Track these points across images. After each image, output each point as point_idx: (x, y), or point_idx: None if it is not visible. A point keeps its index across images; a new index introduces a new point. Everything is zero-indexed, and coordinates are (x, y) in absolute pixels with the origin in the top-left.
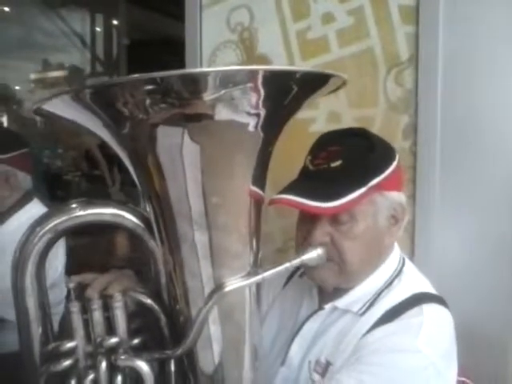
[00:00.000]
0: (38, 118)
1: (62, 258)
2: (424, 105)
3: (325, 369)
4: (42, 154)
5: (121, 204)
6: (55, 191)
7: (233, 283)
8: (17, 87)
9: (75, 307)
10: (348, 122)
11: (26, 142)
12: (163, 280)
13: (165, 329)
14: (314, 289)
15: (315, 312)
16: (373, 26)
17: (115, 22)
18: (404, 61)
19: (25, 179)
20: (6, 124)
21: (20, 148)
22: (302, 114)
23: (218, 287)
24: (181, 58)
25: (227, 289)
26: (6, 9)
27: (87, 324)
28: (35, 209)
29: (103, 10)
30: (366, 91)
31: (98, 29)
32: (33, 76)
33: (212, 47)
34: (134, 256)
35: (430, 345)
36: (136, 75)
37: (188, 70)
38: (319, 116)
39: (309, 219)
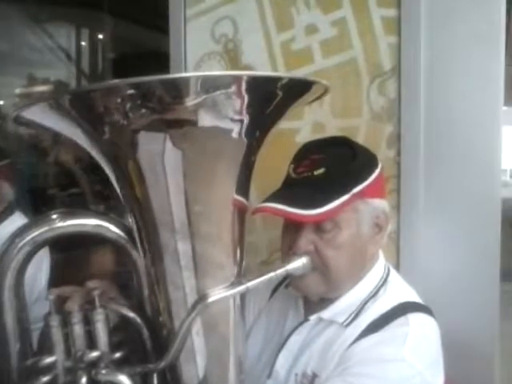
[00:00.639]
0: (22, 131)
1: (46, 272)
2: (407, 114)
3: (311, 381)
4: (26, 168)
5: (102, 215)
6: (39, 206)
7: (216, 293)
8: (1, 102)
9: (55, 321)
10: (332, 132)
11: (8, 153)
12: (146, 292)
13: (147, 342)
14: (300, 300)
15: (301, 324)
16: (356, 37)
17: (100, 37)
18: (387, 71)
19: (8, 191)
20: None
21: (1, 159)
22: (287, 124)
23: (202, 298)
24: (166, 71)
25: (211, 299)
26: None
27: (67, 338)
28: (18, 222)
29: (89, 24)
30: (350, 101)
31: (83, 43)
32: (18, 91)
33: (196, 59)
34: (120, 271)
35: (416, 354)
36: (116, 80)
37: (169, 76)
38: (304, 126)
39: (293, 228)
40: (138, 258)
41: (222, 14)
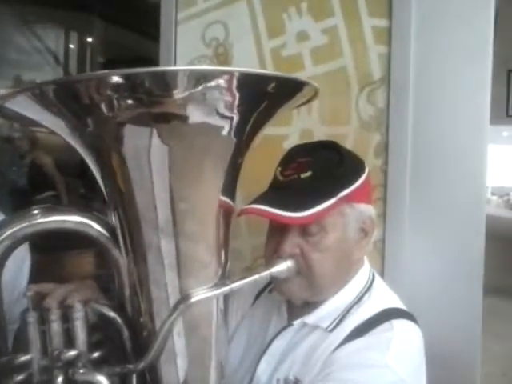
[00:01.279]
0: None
1: (26, 273)
2: (395, 124)
3: None
4: (8, 171)
5: (85, 212)
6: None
7: (199, 294)
8: None
9: (32, 317)
10: (320, 139)
11: None
12: (127, 291)
13: (127, 342)
14: (284, 305)
15: (284, 328)
16: (346, 46)
17: (89, 40)
18: (376, 80)
19: None
20: None
21: None
22: (275, 130)
23: (184, 298)
24: None
25: (193, 299)
26: None
27: (44, 336)
28: None
29: (77, 27)
30: (339, 109)
31: (71, 46)
32: (2, 92)
33: (187, 62)
34: (102, 273)
35: (399, 360)
36: (103, 71)
37: (158, 68)
38: (292, 133)
39: (278, 231)
40: (120, 257)
41: (213, 18)
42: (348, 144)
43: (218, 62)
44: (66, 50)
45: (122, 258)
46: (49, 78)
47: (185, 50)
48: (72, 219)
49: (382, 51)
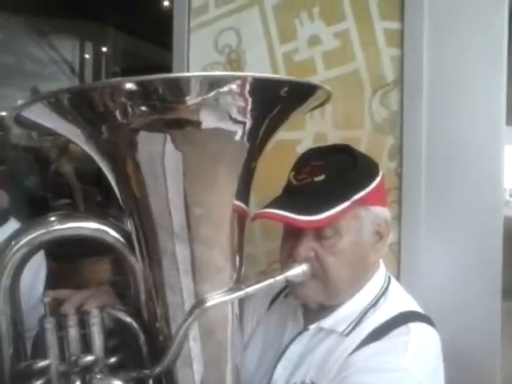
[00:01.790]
0: (22, 143)
1: (42, 280)
2: (409, 126)
3: None
4: (26, 180)
5: (102, 219)
6: (39, 215)
7: (215, 298)
8: (3, 113)
9: (50, 323)
10: (334, 142)
11: (2, 159)
12: (143, 297)
13: (143, 347)
14: (299, 309)
15: (300, 333)
16: (358, 49)
17: (104, 50)
18: (389, 83)
19: (3, 197)
20: None
21: None
22: (288, 134)
23: (199, 302)
24: None
25: (209, 304)
26: None
27: (62, 341)
28: (12, 229)
29: (93, 37)
30: (352, 113)
31: (87, 56)
32: (20, 103)
33: (199, 68)
34: (118, 280)
35: (416, 364)
36: (117, 79)
37: (171, 75)
38: (305, 137)
39: (293, 235)
40: (136, 263)
41: (225, 25)
42: (362, 147)
43: (231, 68)
44: (82, 60)
45: (137, 264)
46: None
47: (197, 57)
48: (88, 226)
49: (395, 54)
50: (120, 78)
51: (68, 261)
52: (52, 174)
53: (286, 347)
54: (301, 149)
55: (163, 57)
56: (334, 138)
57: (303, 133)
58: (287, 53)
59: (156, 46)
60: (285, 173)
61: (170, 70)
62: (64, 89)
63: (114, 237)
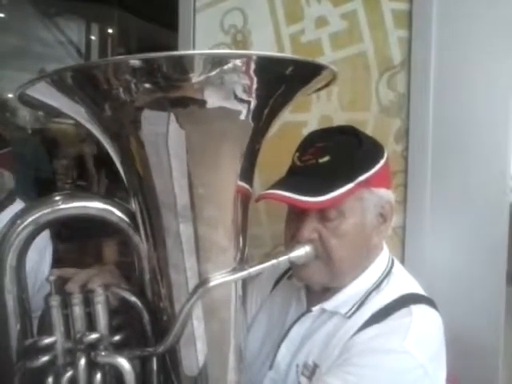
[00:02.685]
0: (29, 126)
1: (48, 262)
2: (416, 109)
3: (312, 372)
4: (32, 159)
5: (106, 198)
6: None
7: (218, 278)
8: (10, 95)
9: (55, 301)
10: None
11: (8, 141)
12: (147, 276)
13: (147, 326)
14: (303, 291)
15: (303, 314)
16: (366, 30)
17: (110, 31)
18: (396, 65)
19: (8, 180)
20: None
21: (2, 147)
22: (294, 116)
23: (203, 282)
24: None
25: (212, 283)
26: (1, 15)
27: (67, 319)
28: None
29: (99, 19)
30: (359, 95)
31: (93, 38)
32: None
33: (205, 49)
34: (123, 261)
35: (418, 346)
36: (120, 57)
37: (174, 52)
38: (311, 119)
39: (297, 216)
40: (140, 242)
41: (231, 5)
42: (368, 129)
43: (237, 48)
44: (88, 41)
45: (141, 244)
46: None
47: (203, 37)
48: (93, 205)
49: (402, 35)
50: (124, 56)
51: (74, 242)
52: (71, 156)
53: (289, 328)
54: (306, 131)
55: (169, 38)
56: (340, 120)
57: (309, 115)
58: (294, 34)
59: (161, 27)
60: (290, 155)
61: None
62: (67, 67)
63: (118, 216)
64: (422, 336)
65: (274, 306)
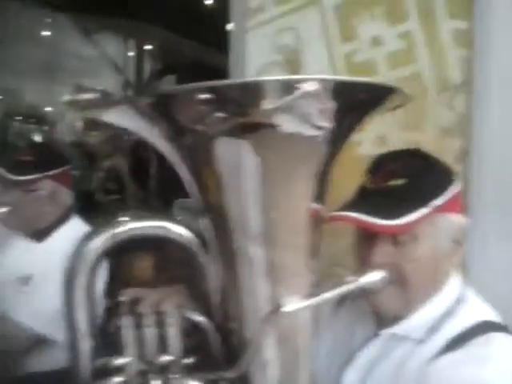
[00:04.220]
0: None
1: (103, 276)
2: (478, 130)
3: None
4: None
5: (172, 218)
6: (87, 212)
7: (292, 303)
8: (49, 108)
9: (128, 321)
10: (395, 144)
11: (68, 158)
12: (215, 297)
13: (218, 349)
14: (369, 314)
15: (370, 338)
16: (423, 50)
17: (147, 47)
18: (455, 85)
19: (67, 196)
20: None
21: (64, 164)
22: None
23: (276, 307)
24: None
25: (287, 309)
26: (47, 33)
27: (138, 340)
28: (77, 226)
29: (136, 35)
30: (414, 114)
31: (130, 53)
32: (65, 98)
33: (257, 68)
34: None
35: (499, 376)
36: (194, 84)
37: (247, 79)
38: (365, 139)
39: (367, 240)
40: (207, 262)
41: (284, 25)
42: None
43: (289, 68)
44: (125, 57)
45: (209, 264)
46: (108, 85)
47: (255, 56)
48: (161, 225)
49: (462, 54)
50: (195, 84)
51: (121, 256)
52: (105, 169)
53: (356, 353)
54: (361, 150)
55: (205, 54)
56: (396, 140)
57: (363, 134)
58: (347, 53)
59: (198, 44)
60: (347, 175)
61: (212, 67)
62: (145, 95)
63: (185, 236)
64: (503, 366)
65: (337, 330)
